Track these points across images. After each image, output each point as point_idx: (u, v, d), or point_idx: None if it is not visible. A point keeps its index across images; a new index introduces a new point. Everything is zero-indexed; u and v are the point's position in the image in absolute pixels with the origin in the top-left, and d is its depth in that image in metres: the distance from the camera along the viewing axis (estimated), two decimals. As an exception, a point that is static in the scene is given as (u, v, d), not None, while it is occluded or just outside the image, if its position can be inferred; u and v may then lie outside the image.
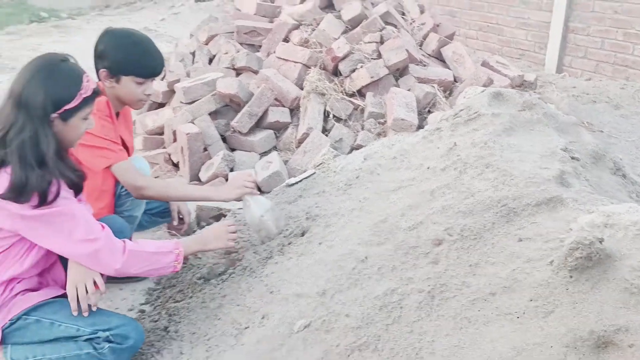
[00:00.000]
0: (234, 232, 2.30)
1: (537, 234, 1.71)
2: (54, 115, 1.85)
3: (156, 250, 2.02)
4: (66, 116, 1.88)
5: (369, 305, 1.77)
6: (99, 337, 1.95)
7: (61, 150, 1.91)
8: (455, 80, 4.13)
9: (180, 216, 2.82)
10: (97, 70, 2.45)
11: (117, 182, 2.53)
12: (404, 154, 2.52)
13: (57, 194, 1.84)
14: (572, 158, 2.04)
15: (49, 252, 1.98)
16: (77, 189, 1.97)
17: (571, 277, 1.50)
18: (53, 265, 2.09)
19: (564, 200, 1.78)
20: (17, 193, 1.78)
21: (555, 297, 1.51)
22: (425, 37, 4.48)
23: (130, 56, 2.40)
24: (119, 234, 2.25)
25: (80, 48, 7.69)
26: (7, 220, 1.84)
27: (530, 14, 6.65)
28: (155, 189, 2.46)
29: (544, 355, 1.41)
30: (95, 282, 1.95)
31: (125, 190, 2.64)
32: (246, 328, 1.99)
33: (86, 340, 1.96)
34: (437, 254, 1.83)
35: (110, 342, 1.96)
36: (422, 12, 4.70)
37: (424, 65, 4.14)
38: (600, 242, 1.47)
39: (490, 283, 1.66)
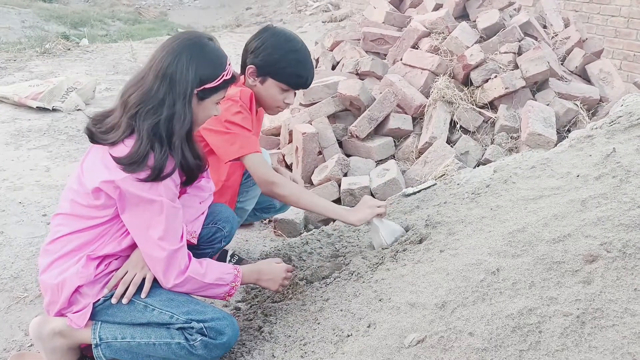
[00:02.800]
0: (287, 279, 2.12)
1: None
2: (194, 92, 1.81)
3: (214, 281, 1.88)
4: (204, 95, 1.84)
5: (499, 325, 1.46)
6: (192, 328, 1.80)
7: (190, 132, 1.86)
8: (600, 100, 3.68)
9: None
10: (244, 65, 2.34)
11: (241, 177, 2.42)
12: (546, 163, 2.18)
13: (169, 175, 1.76)
14: None
15: None
16: (190, 176, 1.91)
17: None
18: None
19: None
20: (132, 163, 1.72)
21: None
22: (568, 52, 4.06)
23: (285, 61, 2.25)
24: (225, 223, 2.14)
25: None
26: (107, 187, 1.75)
27: (689, 42, 5.97)
28: (289, 188, 2.24)
29: None
30: (145, 279, 1.85)
31: (244, 182, 2.51)
32: (348, 336, 1.73)
33: (178, 329, 1.81)
34: (590, 272, 1.49)
35: (203, 335, 1.79)
36: (566, 25, 4.28)
37: (566, 81, 3.74)
38: None
39: (664, 313, 1.30)
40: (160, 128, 1.74)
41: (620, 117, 2.10)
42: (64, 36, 9.26)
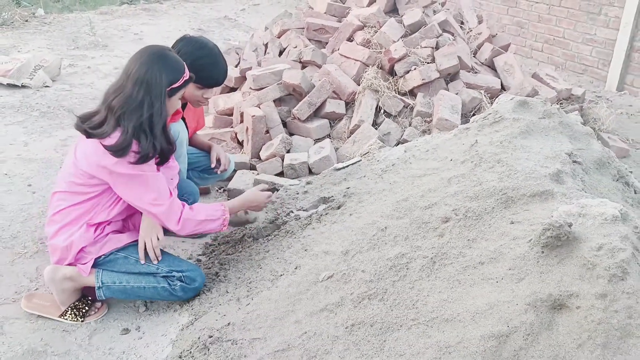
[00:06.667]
0: (269, 202, 2.77)
1: (526, 218, 2.05)
2: (166, 91, 2.35)
3: (206, 217, 2.49)
4: (171, 93, 2.40)
5: (382, 265, 2.15)
6: (173, 276, 2.46)
7: (164, 125, 2.42)
8: (503, 89, 4.41)
9: (218, 158, 3.21)
10: None
11: None
12: (436, 148, 2.87)
13: (152, 157, 2.35)
14: (574, 162, 2.34)
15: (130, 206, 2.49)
16: (164, 159, 2.46)
17: (543, 252, 1.83)
18: (135, 213, 2.60)
19: (554, 194, 2.10)
20: (119, 150, 2.27)
21: (527, 268, 1.84)
22: (480, 46, 4.77)
23: (198, 66, 2.72)
24: (189, 195, 2.77)
25: (165, 30, 8.34)
26: (100, 172, 2.33)
27: (597, 30, 6.74)
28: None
29: (510, 310, 1.75)
30: (157, 237, 2.47)
31: None
32: (281, 275, 2.41)
33: (163, 277, 2.45)
34: (444, 229, 2.19)
35: (181, 281, 2.45)
36: (480, 22, 4.98)
37: (475, 73, 4.45)
38: (569, 226, 1.79)
39: (481, 255, 2.01)
40: (144, 124, 2.30)
41: (490, 114, 2.79)
42: (15, 1, 9.41)
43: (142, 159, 2.30)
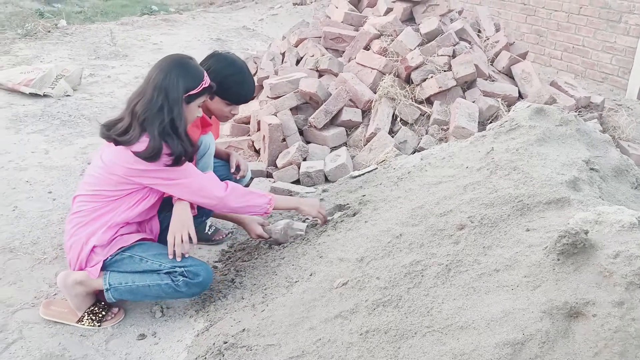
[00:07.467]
0: (323, 209, 2.83)
1: (542, 226, 2.03)
2: (183, 97, 2.40)
3: (252, 191, 2.59)
4: (189, 100, 2.44)
5: (396, 272, 2.15)
6: (175, 272, 2.46)
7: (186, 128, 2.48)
8: (520, 97, 4.38)
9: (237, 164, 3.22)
10: None
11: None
12: (452, 156, 2.87)
13: (186, 159, 2.41)
14: (592, 169, 2.32)
15: (152, 206, 2.52)
16: (188, 159, 2.50)
17: (559, 259, 1.82)
18: (152, 219, 2.65)
19: (570, 201, 2.08)
20: (151, 155, 2.32)
21: (543, 275, 1.83)
22: (497, 54, 4.75)
23: (227, 83, 2.77)
24: None
25: (184, 40, 8.43)
26: (133, 176, 2.37)
27: (617, 38, 6.67)
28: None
29: (525, 318, 1.74)
30: (189, 235, 2.50)
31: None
32: (296, 282, 2.41)
33: (166, 273, 2.46)
34: (459, 236, 2.18)
35: (184, 276, 2.45)
36: (497, 30, 4.96)
37: (492, 81, 4.43)
38: (586, 233, 1.78)
39: (496, 262, 1.99)
40: (167, 128, 2.35)
41: (506, 121, 2.78)
42: (39, 13, 9.61)
43: (176, 160, 2.36)
